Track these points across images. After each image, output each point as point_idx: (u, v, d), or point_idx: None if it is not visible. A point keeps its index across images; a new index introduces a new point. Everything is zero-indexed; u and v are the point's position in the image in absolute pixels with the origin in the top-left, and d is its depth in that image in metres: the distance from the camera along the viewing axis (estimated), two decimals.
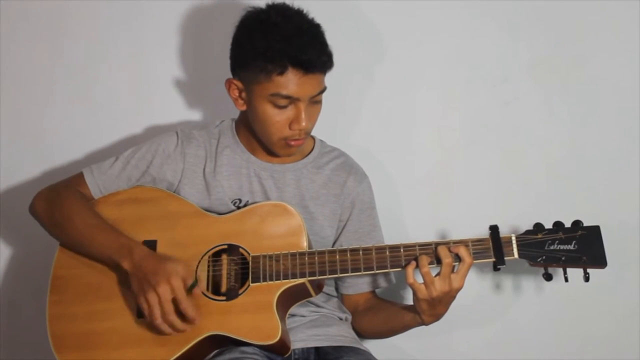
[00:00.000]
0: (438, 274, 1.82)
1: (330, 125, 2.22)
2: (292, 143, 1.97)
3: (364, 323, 2.10)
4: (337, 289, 2.15)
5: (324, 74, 1.94)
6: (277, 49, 1.86)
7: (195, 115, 2.41)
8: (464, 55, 2.34)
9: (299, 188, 2.05)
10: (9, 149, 2.44)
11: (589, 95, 2.31)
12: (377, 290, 2.15)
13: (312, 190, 2.06)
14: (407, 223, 2.33)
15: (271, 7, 1.95)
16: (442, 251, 1.82)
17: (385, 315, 2.04)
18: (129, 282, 1.91)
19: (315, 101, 1.95)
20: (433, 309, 1.87)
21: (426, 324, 1.93)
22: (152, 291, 1.82)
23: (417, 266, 1.83)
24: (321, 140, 2.15)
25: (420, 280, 1.84)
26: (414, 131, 2.37)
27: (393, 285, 2.13)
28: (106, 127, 2.41)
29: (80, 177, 2.06)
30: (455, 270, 1.83)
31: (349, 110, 2.37)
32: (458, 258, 1.83)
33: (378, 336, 2.14)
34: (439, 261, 1.83)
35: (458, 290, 1.84)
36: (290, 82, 1.88)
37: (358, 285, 2.10)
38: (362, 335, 2.14)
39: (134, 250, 1.88)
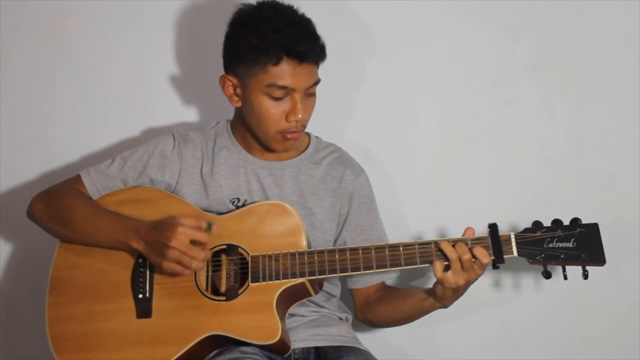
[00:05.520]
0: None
1: (330, 125, 2.24)
2: (289, 136, 1.97)
3: (380, 312, 2.09)
4: (344, 285, 2.15)
5: (317, 65, 1.96)
6: (271, 40, 1.88)
7: (191, 117, 2.42)
8: (464, 55, 2.34)
9: (297, 184, 2.06)
10: (9, 150, 2.45)
11: (589, 95, 2.31)
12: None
13: (310, 186, 2.07)
14: (407, 221, 2.33)
15: (262, 4, 1.98)
16: (461, 247, 1.83)
17: (399, 302, 2.04)
18: (128, 280, 1.94)
19: (309, 93, 1.96)
20: (456, 293, 1.89)
21: (446, 307, 1.95)
22: (169, 249, 1.83)
23: (444, 257, 1.84)
24: (317, 137, 2.16)
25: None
26: (415, 130, 2.37)
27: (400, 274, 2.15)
28: (105, 128, 2.42)
29: (77, 178, 2.07)
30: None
31: (349, 110, 2.37)
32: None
33: (396, 323, 2.13)
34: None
35: (480, 275, 1.86)
36: (285, 72, 1.89)
37: (365, 279, 2.09)
38: (378, 325, 2.16)
39: (139, 230, 1.90)
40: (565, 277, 1.82)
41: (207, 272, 1.94)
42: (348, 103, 2.36)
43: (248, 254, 1.92)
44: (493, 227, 1.85)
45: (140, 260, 1.96)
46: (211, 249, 1.92)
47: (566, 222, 1.83)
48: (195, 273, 1.92)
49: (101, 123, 2.43)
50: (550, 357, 2.32)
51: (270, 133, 1.97)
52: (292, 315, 2.00)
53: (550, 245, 1.81)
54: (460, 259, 1.82)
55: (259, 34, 1.89)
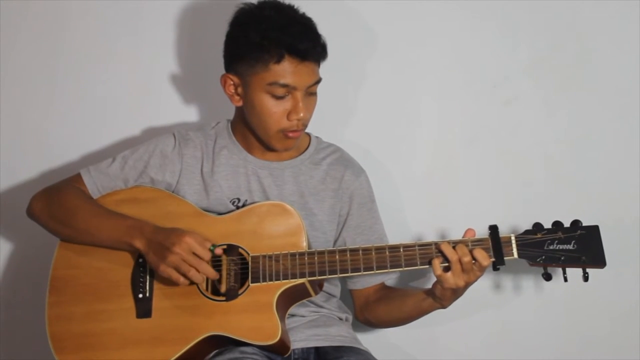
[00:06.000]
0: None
1: (331, 125, 2.23)
2: (290, 135, 1.97)
3: (380, 313, 2.09)
4: (344, 285, 2.15)
5: (319, 64, 1.97)
6: (273, 38, 1.88)
7: (191, 117, 2.42)
8: (464, 55, 2.34)
9: (297, 184, 2.06)
10: (9, 149, 2.45)
11: (588, 95, 2.31)
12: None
13: (310, 186, 2.07)
14: (407, 222, 2.33)
15: (263, 3, 1.98)
16: (461, 249, 1.83)
17: (399, 303, 2.04)
18: (128, 280, 1.94)
19: (311, 92, 1.96)
20: (455, 294, 1.90)
21: (445, 308, 1.95)
22: (171, 253, 1.84)
23: (445, 259, 1.84)
24: (317, 137, 2.16)
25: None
26: (415, 130, 2.37)
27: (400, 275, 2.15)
28: (105, 128, 2.42)
29: (77, 177, 2.06)
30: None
31: (350, 110, 2.37)
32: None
33: (395, 324, 2.13)
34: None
35: (479, 277, 1.87)
36: (287, 70, 1.90)
37: (365, 279, 2.09)
38: (377, 325, 2.17)
39: (143, 229, 1.90)
40: (566, 279, 1.83)
41: None
42: (348, 103, 2.36)
43: (248, 254, 1.91)
44: (493, 229, 1.85)
45: (140, 260, 1.95)
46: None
47: (566, 224, 1.83)
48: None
49: (101, 123, 2.43)
50: (550, 358, 2.32)
51: (272, 132, 1.97)
52: (292, 315, 2.00)
53: (551, 247, 1.81)
54: (460, 261, 1.82)
55: (260, 32, 1.90)
